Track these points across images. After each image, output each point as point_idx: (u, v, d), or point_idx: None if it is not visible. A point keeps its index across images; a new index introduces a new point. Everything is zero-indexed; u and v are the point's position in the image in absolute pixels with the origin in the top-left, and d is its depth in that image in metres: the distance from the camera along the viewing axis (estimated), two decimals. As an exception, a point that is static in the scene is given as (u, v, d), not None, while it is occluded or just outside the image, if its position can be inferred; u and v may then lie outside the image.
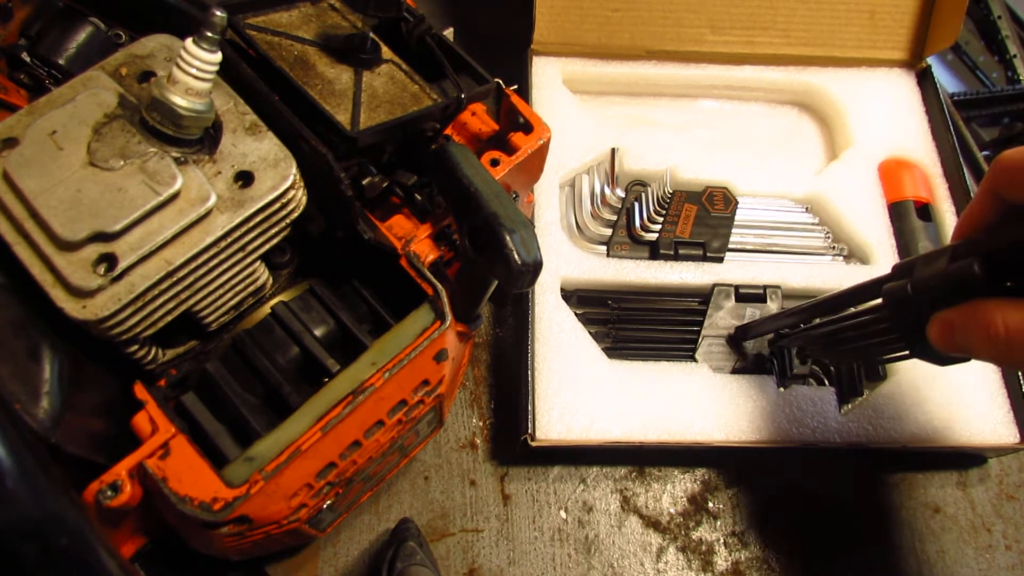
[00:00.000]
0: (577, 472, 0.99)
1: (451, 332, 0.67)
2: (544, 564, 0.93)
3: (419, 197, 0.72)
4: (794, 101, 1.22)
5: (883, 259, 1.07)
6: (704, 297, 1.03)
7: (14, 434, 0.45)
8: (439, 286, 0.66)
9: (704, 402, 0.95)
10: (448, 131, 0.81)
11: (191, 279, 0.57)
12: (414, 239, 0.69)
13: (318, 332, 0.67)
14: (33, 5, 0.84)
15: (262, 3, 0.71)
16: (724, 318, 1.01)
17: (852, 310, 0.78)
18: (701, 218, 1.06)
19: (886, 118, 1.17)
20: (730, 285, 1.02)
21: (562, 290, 1.01)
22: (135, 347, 0.59)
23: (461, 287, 0.67)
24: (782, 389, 0.98)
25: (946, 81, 1.41)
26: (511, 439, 0.99)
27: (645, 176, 1.10)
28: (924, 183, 1.13)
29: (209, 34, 0.54)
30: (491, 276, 0.63)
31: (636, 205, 1.07)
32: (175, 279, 0.56)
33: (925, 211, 1.11)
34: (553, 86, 1.14)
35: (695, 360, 1.00)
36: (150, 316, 0.56)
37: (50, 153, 0.55)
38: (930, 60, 1.22)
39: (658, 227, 1.06)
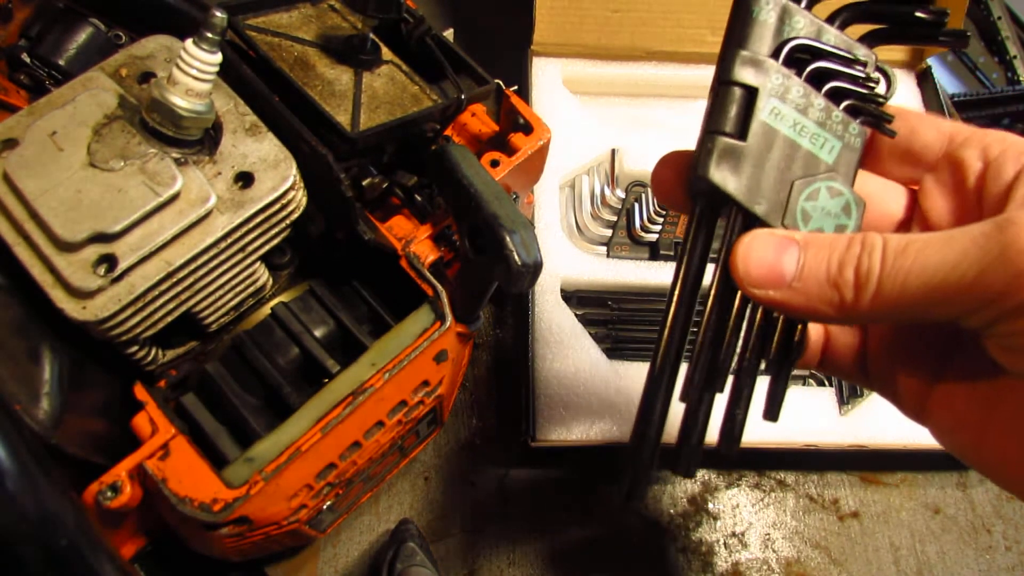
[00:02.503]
0: (577, 473, 0.99)
1: (451, 333, 0.67)
2: (544, 565, 0.93)
3: (419, 198, 0.72)
4: (794, 102, 1.22)
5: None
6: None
7: (14, 435, 0.45)
8: (439, 287, 0.66)
9: (704, 403, 0.95)
10: (448, 132, 0.81)
11: (191, 280, 0.57)
12: (414, 240, 0.69)
13: (318, 333, 0.67)
14: (33, 6, 0.84)
15: (262, 4, 0.71)
16: (724, 319, 1.01)
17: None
18: (701, 219, 1.06)
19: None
20: (730, 286, 1.02)
21: (562, 291, 1.00)
22: (135, 348, 0.59)
23: (461, 288, 0.67)
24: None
25: (946, 82, 1.41)
26: (511, 440, 0.99)
27: (645, 177, 1.10)
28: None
29: (209, 35, 0.54)
30: (491, 277, 0.63)
31: (636, 206, 1.07)
32: (175, 280, 0.56)
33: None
34: (553, 87, 1.14)
35: (695, 361, 1.00)
36: (150, 317, 0.56)
37: (50, 154, 0.55)
38: (930, 61, 1.22)
39: (658, 228, 1.06)
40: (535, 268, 0.58)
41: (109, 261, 0.54)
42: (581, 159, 1.09)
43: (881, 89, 0.48)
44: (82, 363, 0.59)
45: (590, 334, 0.98)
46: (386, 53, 0.73)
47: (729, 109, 0.46)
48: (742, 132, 0.46)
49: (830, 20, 0.48)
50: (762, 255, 0.44)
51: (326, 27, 0.73)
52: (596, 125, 1.12)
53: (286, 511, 0.63)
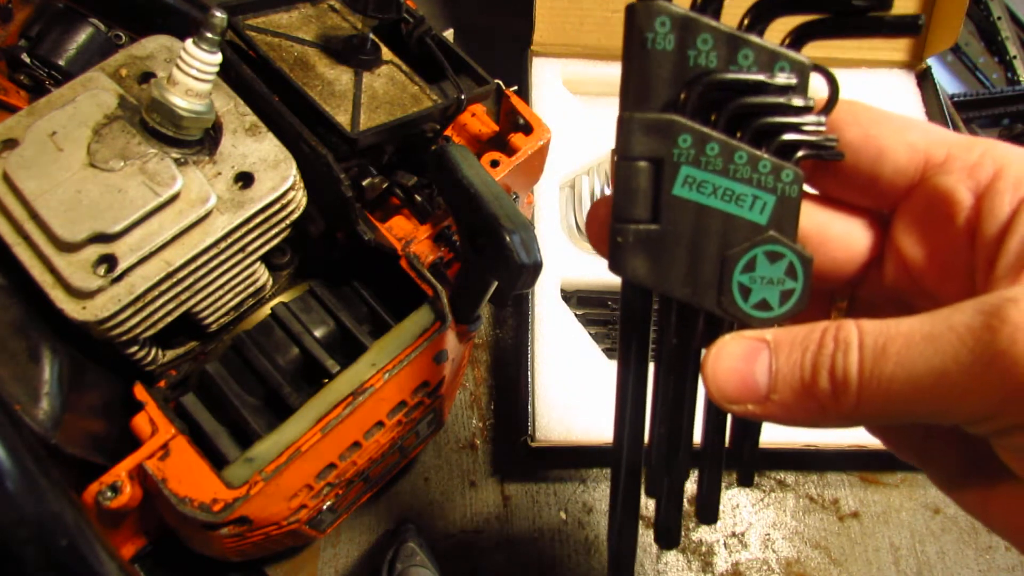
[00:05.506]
0: (577, 473, 0.99)
1: (451, 333, 0.67)
2: (544, 565, 0.93)
3: (419, 198, 0.72)
4: (794, 102, 1.22)
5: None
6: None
7: (14, 435, 0.45)
8: (439, 287, 0.66)
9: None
10: (448, 132, 0.81)
11: (191, 280, 0.57)
12: (414, 240, 0.69)
13: (318, 333, 0.67)
14: (33, 6, 0.84)
15: (262, 4, 0.70)
16: (724, 319, 1.01)
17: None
18: (701, 219, 1.06)
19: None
20: (730, 286, 1.02)
21: (562, 291, 1.01)
22: (135, 348, 0.59)
23: (461, 288, 0.67)
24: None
25: (946, 82, 1.41)
26: (511, 440, 0.99)
27: (645, 177, 1.10)
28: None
29: (209, 35, 0.54)
30: (491, 277, 0.63)
31: (636, 206, 1.07)
32: (175, 280, 0.56)
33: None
34: (553, 87, 1.14)
35: (695, 361, 1.00)
36: (150, 317, 0.56)
37: (50, 154, 0.55)
38: (930, 61, 1.22)
39: (658, 228, 1.06)
40: (535, 268, 0.58)
41: (109, 261, 0.54)
42: (581, 159, 1.09)
43: (810, 111, 0.39)
44: (82, 363, 0.59)
45: (590, 334, 0.98)
46: (386, 53, 0.73)
47: (634, 190, 0.39)
48: (654, 214, 0.39)
49: (747, 22, 0.40)
50: (732, 366, 0.39)
51: (326, 27, 0.73)
52: (596, 125, 1.12)
53: (286, 511, 0.63)
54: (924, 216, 0.41)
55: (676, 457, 0.46)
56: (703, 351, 0.41)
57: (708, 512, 0.48)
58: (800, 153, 0.40)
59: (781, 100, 0.39)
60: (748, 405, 0.39)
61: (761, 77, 0.38)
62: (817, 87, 0.40)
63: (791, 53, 0.39)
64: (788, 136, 0.39)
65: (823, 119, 0.39)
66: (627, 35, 0.38)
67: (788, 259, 0.40)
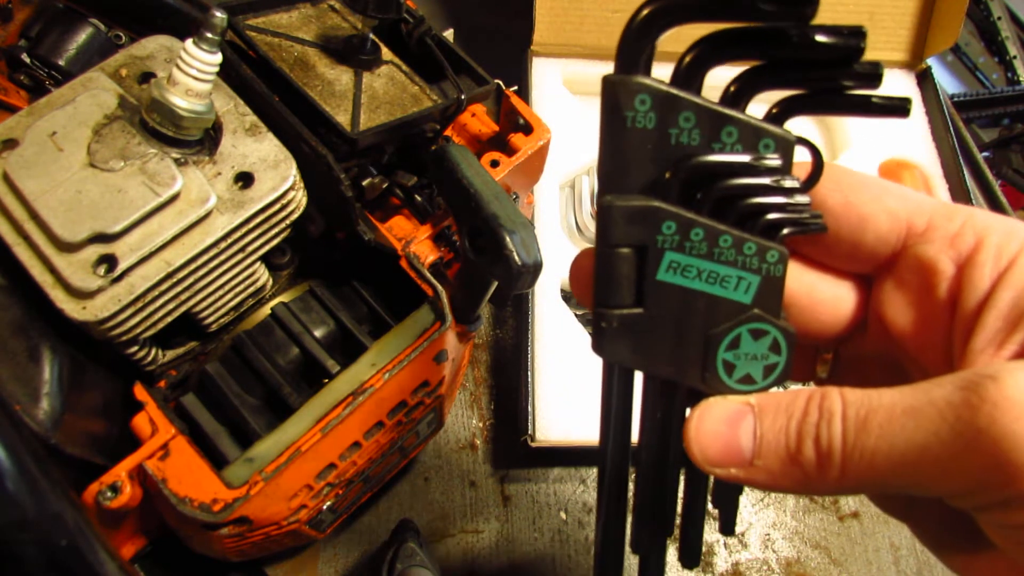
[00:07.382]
0: (577, 473, 0.99)
1: (451, 333, 0.67)
2: (544, 566, 0.93)
3: (419, 198, 0.72)
4: (794, 102, 1.22)
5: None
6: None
7: (14, 435, 0.45)
8: (439, 287, 0.66)
9: (704, 403, 0.95)
10: (448, 132, 0.81)
11: (191, 280, 0.57)
12: (414, 240, 0.69)
13: (318, 333, 0.67)
14: (33, 6, 0.84)
15: (262, 4, 0.71)
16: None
17: None
18: (701, 219, 1.06)
19: (885, 119, 1.17)
20: (730, 286, 1.02)
21: (562, 291, 1.00)
22: (135, 348, 0.59)
23: (461, 288, 0.67)
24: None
25: (946, 82, 1.41)
26: (511, 440, 0.99)
27: (645, 177, 1.10)
28: (924, 184, 1.13)
29: (209, 35, 0.54)
30: (491, 277, 0.63)
31: (636, 206, 1.07)
32: (175, 280, 0.56)
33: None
34: (553, 87, 1.14)
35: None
36: (150, 317, 0.56)
37: (50, 154, 0.55)
38: (930, 61, 1.22)
39: (658, 228, 1.05)
40: (535, 268, 0.58)
41: (109, 261, 0.54)
42: (581, 159, 1.09)
43: (799, 191, 0.38)
44: (82, 363, 0.59)
45: (590, 334, 0.98)
46: (386, 53, 0.73)
47: (618, 277, 0.38)
48: (638, 299, 0.39)
49: (730, 96, 0.38)
50: (715, 430, 0.38)
51: (326, 27, 0.73)
52: (596, 125, 1.11)
53: (286, 511, 0.63)
54: (907, 285, 0.41)
55: (662, 513, 0.46)
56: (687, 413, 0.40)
57: (691, 557, 0.48)
58: (786, 231, 0.39)
59: (769, 182, 0.38)
60: (731, 469, 0.38)
61: (747, 159, 0.37)
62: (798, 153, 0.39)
63: (776, 129, 0.38)
64: (774, 215, 0.38)
65: (809, 199, 0.39)
66: (604, 112, 0.37)
67: (772, 335, 0.40)
